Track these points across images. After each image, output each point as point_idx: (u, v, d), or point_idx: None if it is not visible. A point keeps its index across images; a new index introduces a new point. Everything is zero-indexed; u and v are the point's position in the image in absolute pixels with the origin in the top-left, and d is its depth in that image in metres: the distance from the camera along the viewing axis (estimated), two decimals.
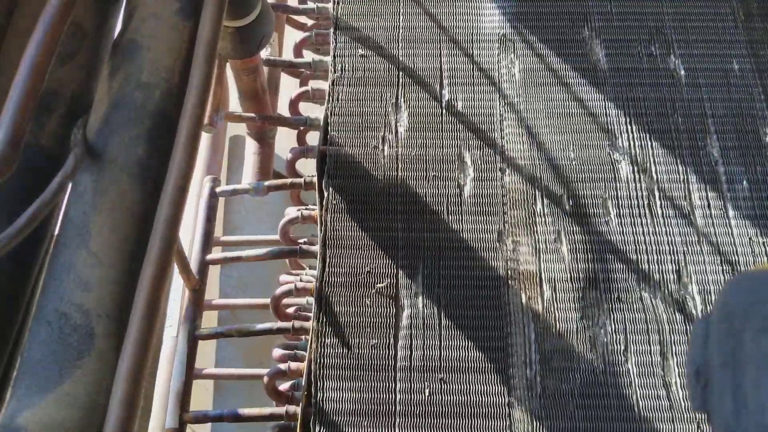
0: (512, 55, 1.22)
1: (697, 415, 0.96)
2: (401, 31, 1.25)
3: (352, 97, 1.19)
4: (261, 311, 1.35)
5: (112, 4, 0.74)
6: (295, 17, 1.58)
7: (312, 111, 1.33)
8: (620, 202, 1.10)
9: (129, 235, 0.61)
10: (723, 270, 1.05)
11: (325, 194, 1.10)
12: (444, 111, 1.18)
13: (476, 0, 1.27)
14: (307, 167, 1.27)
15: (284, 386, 1.10)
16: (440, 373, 0.99)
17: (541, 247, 1.07)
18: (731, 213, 1.09)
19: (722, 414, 0.51)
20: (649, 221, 1.09)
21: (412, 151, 1.14)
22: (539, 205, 1.10)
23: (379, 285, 1.04)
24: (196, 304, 1.22)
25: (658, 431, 0.96)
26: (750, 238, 1.07)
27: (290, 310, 1.19)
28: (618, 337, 1.01)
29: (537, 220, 1.09)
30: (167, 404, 1.13)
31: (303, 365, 1.06)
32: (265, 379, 1.09)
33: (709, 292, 1.04)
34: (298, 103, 1.34)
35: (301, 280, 1.16)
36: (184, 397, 1.14)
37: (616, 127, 1.16)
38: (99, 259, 0.59)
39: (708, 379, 0.54)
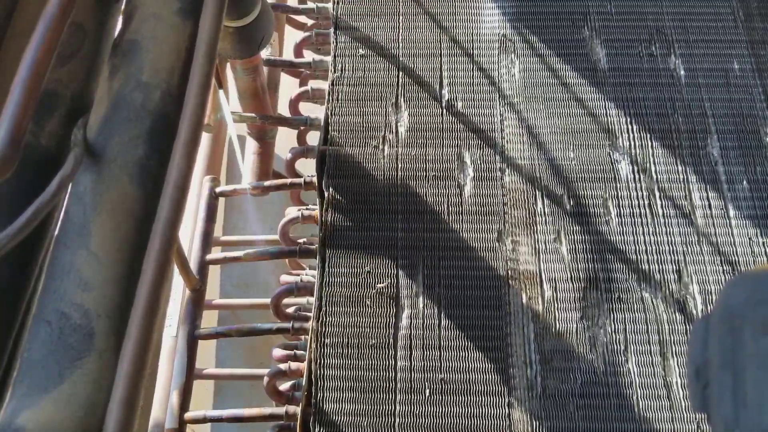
0: (512, 55, 1.22)
1: (697, 415, 0.96)
2: (401, 31, 1.25)
3: (352, 97, 1.19)
4: (261, 311, 1.36)
5: (112, 4, 0.74)
6: (295, 17, 1.58)
7: (312, 111, 1.33)
8: (620, 202, 1.10)
9: (129, 235, 0.61)
10: (723, 270, 1.05)
11: (325, 194, 1.10)
12: (444, 111, 1.18)
13: (476, 0, 1.27)
14: (307, 167, 1.27)
15: (284, 386, 1.10)
16: (440, 373, 0.99)
17: (541, 247, 1.07)
18: (731, 213, 1.09)
19: (722, 414, 0.51)
20: (649, 221, 1.09)
21: (412, 151, 1.14)
22: (539, 205, 1.10)
23: (379, 285, 1.04)
24: (196, 304, 1.22)
25: (658, 431, 0.96)
26: (750, 238, 1.07)
27: (290, 310, 1.19)
28: (618, 337, 1.01)
29: (537, 219, 1.09)
30: (167, 404, 1.13)
31: (303, 365, 1.06)
32: (265, 379, 1.09)
33: (710, 292, 1.04)
34: (298, 103, 1.34)
35: (301, 280, 1.16)
36: (184, 397, 1.14)
37: (616, 126, 1.16)
38: (99, 259, 0.59)
39: (708, 379, 0.54)
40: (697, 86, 1.19)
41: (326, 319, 1.03)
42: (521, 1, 1.27)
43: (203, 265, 1.27)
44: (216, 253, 1.31)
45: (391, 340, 1.01)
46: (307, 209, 1.18)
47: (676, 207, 1.10)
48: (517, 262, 1.06)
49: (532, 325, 1.02)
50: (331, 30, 1.25)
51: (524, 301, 1.04)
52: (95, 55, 0.72)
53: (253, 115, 1.38)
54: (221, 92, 1.37)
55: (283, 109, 1.51)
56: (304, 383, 1.01)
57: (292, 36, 1.54)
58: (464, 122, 1.17)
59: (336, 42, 1.23)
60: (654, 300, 1.03)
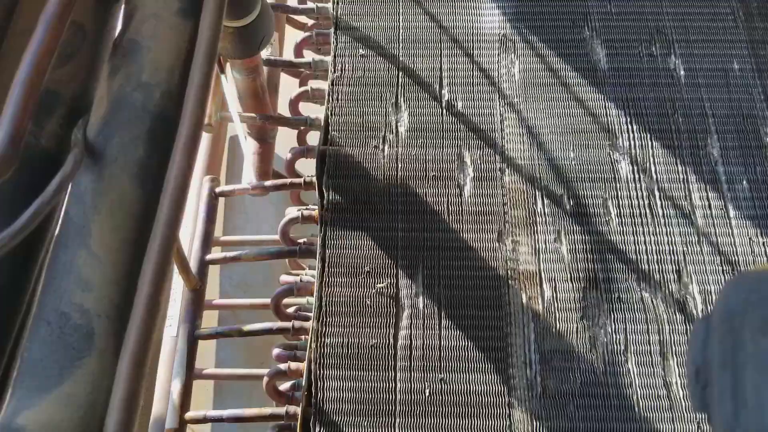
0: (512, 55, 1.23)
1: (697, 415, 0.96)
2: (401, 31, 1.25)
3: (352, 97, 1.19)
4: (261, 311, 1.36)
5: (112, 4, 0.74)
6: (295, 17, 1.58)
7: (312, 111, 1.33)
8: (620, 202, 1.10)
9: (129, 235, 0.61)
10: (723, 270, 1.05)
11: (325, 194, 1.10)
12: (444, 111, 1.18)
13: (476, 0, 1.27)
14: (307, 167, 1.27)
15: (284, 386, 1.10)
16: (440, 373, 0.99)
17: (541, 247, 1.07)
18: (732, 213, 1.09)
19: (722, 414, 0.51)
20: (649, 221, 1.09)
21: (412, 151, 1.14)
22: (539, 205, 1.10)
23: (379, 285, 1.04)
24: (196, 304, 1.22)
25: (658, 431, 0.96)
26: (750, 238, 1.07)
27: (290, 310, 1.19)
28: (618, 337, 1.01)
29: (537, 219, 1.09)
30: (167, 404, 1.13)
31: (303, 365, 1.06)
32: (265, 379, 1.09)
33: (710, 292, 1.04)
34: (298, 103, 1.34)
35: (301, 280, 1.16)
36: (184, 397, 1.14)
37: (616, 127, 1.16)
38: (99, 259, 0.59)
39: (708, 379, 0.54)
40: (697, 86, 1.19)
41: (326, 319, 1.03)
42: (521, 1, 1.27)
43: (203, 265, 1.27)
44: (216, 253, 1.31)
45: (391, 340, 1.01)
46: (307, 209, 1.18)
47: (676, 207, 1.10)
48: (517, 262, 1.06)
49: (532, 325, 1.02)
50: (331, 30, 1.25)
51: (524, 301, 1.04)
52: (95, 55, 0.72)
53: (253, 115, 1.38)
54: (227, 91, 1.37)
55: (283, 109, 1.51)
56: (304, 383, 1.01)
57: (292, 36, 1.54)
58: (464, 122, 1.17)
59: (336, 42, 1.23)
60: (654, 300, 1.03)
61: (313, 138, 1.24)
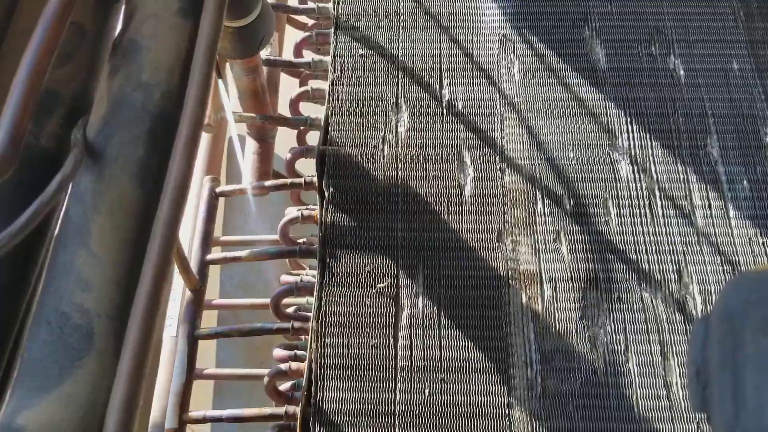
0: (512, 55, 1.22)
1: (697, 416, 0.96)
2: (401, 31, 1.25)
3: (352, 97, 1.19)
4: (261, 311, 1.36)
5: (112, 4, 0.74)
6: (296, 17, 1.58)
7: (312, 111, 1.33)
8: (620, 202, 1.10)
9: (129, 235, 0.61)
10: (723, 270, 1.05)
11: (325, 194, 1.10)
12: (444, 111, 1.18)
13: (476, 0, 1.27)
14: (307, 167, 1.27)
15: (284, 386, 1.10)
16: (440, 373, 1.00)
17: (541, 247, 1.07)
18: (732, 213, 1.09)
19: (722, 414, 0.52)
20: (649, 221, 1.09)
21: (412, 151, 1.14)
22: (539, 205, 1.10)
23: (379, 285, 1.04)
24: (196, 304, 1.22)
25: (658, 431, 0.96)
26: (750, 238, 1.07)
27: (290, 310, 1.19)
28: (618, 337, 1.01)
29: (537, 219, 1.09)
30: (167, 404, 1.13)
31: (303, 365, 1.06)
32: (266, 379, 1.09)
33: (710, 292, 1.04)
34: (298, 103, 1.34)
35: (301, 280, 1.16)
36: (184, 397, 1.14)
37: (616, 126, 1.16)
38: (99, 259, 0.59)
39: (708, 379, 0.54)
40: (697, 86, 1.19)
41: (326, 319, 1.03)
42: (521, 1, 1.27)
43: (203, 265, 1.27)
44: (216, 253, 1.31)
45: (391, 340, 1.01)
46: (307, 209, 1.18)
47: (676, 207, 1.10)
48: (517, 262, 1.06)
49: (532, 325, 1.02)
50: (331, 30, 1.25)
51: (524, 301, 1.04)
52: (95, 55, 0.72)
53: (253, 115, 1.38)
54: (223, 93, 1.37)
55: (283, 109, 1.51)
56: (303, 383, 1.01)
57: (292, 36, 1.54)
58: (464, 122, 1.17)
59: (336, 42, 1.23)
60: (654, 300, 1.03)
61: (313, 138, 1.24)
